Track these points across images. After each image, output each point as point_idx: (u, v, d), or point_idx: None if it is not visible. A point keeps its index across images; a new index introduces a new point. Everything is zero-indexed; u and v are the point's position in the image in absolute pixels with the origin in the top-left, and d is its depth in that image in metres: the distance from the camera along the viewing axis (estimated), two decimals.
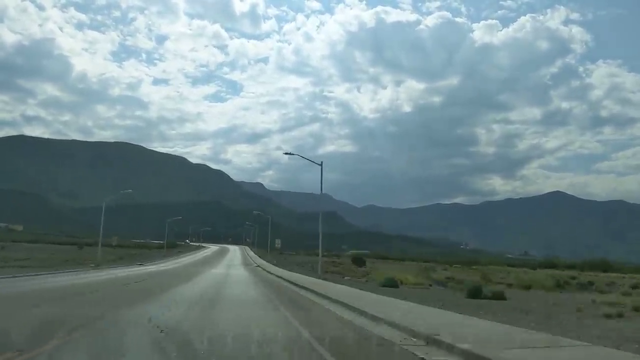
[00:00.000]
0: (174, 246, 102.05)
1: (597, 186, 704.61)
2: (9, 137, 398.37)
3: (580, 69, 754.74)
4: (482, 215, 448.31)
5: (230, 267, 46.51)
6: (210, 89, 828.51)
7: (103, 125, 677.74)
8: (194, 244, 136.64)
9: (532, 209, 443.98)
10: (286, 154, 34.63)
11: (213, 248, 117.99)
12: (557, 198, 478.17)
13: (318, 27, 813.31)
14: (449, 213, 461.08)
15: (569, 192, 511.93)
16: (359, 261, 60.56)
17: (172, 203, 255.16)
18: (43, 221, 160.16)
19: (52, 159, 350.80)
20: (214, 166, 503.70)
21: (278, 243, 74.52)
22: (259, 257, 76.09)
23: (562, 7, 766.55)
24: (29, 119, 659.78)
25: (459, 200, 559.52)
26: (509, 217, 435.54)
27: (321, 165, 31.31)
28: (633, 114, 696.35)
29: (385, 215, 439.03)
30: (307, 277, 30.82)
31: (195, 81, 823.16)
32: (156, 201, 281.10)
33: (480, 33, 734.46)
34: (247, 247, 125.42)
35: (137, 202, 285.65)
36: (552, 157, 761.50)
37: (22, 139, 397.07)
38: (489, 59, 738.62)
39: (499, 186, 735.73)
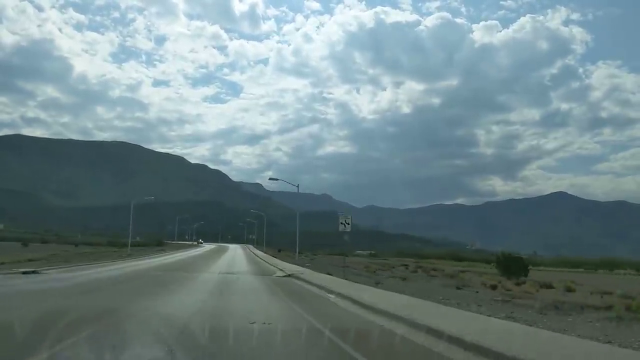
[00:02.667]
0: (159, 244, 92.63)
1: (597, 187, 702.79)
2: (6, 136, 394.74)
3: (580, 69, 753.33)
4: (483, 215, 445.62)
5: (227, 284, 19.35)
6: (210, 90, 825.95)
7: (103, 127, 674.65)
8: (187, 242, 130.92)
9: (534, 210, 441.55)
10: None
11: (209, 247, 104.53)
12: (559, 198, 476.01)
13: (317, 27, 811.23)
14: (450, 213, 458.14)
15: (572, 193, 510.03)
16: (515, 269, 27.93)
17: (170, 202, 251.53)
18: (36, 220, 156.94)
19: (49, 159, 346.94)
20: (213, 167, 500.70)
21: (346, 222, 25.89)
22: (272, 256, 56.37)
23: (562, 7, 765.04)
24: (28, 121, 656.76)
25: (460, 201, 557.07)
26: (510, 217, 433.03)
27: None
28: (633, 115, 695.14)
29: (386, 216, 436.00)
30: None
31: (195, 82, 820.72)
32: (154, 201, 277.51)
33: (480, 34, 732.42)
34: (249, 246, 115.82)
35: (136, 201, 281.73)
36: (551, 158, 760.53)
37: (19, 138, 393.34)
38: (489, 60, 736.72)
39: (499, 187, 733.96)
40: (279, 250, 77.80)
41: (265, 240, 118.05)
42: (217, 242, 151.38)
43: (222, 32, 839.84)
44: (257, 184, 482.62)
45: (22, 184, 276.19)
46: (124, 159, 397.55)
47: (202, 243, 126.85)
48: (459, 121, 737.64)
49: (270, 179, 35.90)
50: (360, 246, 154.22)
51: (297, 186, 37.66)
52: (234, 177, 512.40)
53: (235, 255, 63.14)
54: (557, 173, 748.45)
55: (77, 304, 11.74)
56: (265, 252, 72.69)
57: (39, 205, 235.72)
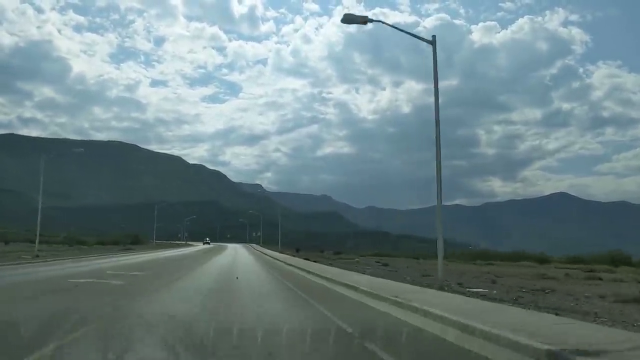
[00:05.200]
0: (135, 242, 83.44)
1: (597, 188, 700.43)
2: (0, 135, 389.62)
3: (580, 69, 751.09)
4: (484, 216, 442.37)
5: None
6: (208, 90, 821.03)
7: (100, 127, 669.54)
8: (180, 242, 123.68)
9: (535, 210, 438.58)
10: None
11: (203, 247, 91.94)
12: (560, 199, 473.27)
13: (316, 29, 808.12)
14: (451, 214, 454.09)
15: (572, 193, 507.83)
16: None
17: (169, 203, 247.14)
18: (27, 220, 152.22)
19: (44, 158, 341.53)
20: (211, 167, 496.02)
21: None
22: (304, 259, 38.84)
23: (560, 8, 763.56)
24: (25, 121, 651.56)
25: (459, 201, 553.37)
26: (511, 218, 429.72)
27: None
28: (634, 115, 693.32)
29: (386, 216, 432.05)
30: None
31: (193, 82, 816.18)
32: (153, 201, 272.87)
33: (479, 34, 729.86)
34: (254, 245, 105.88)
35: (133, 201, 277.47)
36: (552, 159, 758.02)
37: (14, 138, 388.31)
38: (489, 60, 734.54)
39: (498, 188, 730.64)
40: (297, 250, 63.10)
41: (266, 239, 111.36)
42: (216, 241, 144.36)
43: (221, 33, 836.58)
44: (257, 184, 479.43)
45: (17, 183, 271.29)
46: (121, 159, 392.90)
47: (208, 242, 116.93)
48: (460, 121, 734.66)
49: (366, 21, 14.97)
50: (363, 247, 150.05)
51: (433, 42, 19.79)
52: (233, 177, 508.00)
53: (237, 257, 43.89)
54: (558, 174, 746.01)
55: None
56: (281, 252, 55.21)
57: (30, 205, 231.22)
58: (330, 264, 31.17)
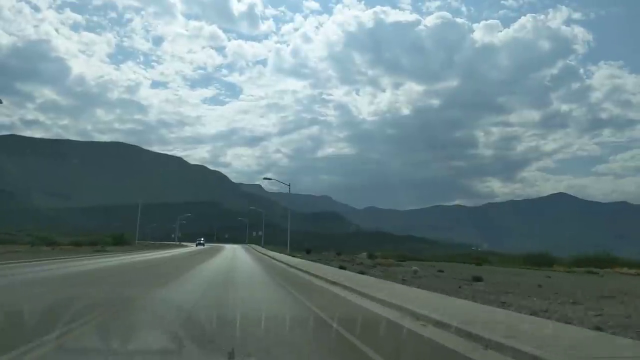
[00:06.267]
0: (120, 243, 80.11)
1: (596, 188, 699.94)
2: (1, 136, 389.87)
3: (581, 70, 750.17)
4: (484, 216, 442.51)
5: None
6: (209, 92, 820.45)
7: (102, 129, 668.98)
8: (173, 242, 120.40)
9: (536, 211, 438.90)
10: None
11: (192, 248, 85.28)
12: (560, 199, 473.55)
13: (316, 27, 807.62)
14: (451, 215, 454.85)
15: (571, 194, 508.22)
16: None
17: (169, 203, 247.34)
18: (22, 221, 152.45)
19: (44, 159, 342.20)
20: (212, 168, 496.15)
21: None
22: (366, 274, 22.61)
23: (563, 6, 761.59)
24: (27, 123, 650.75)
25: (459, 202, 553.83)
26: (511, 218, 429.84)
27: None
28: (632, 116, 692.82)
29: (387, 217, 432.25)
30: None
31: (193, 84, 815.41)
32: (153, 202, 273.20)
33: (480, 33, 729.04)
34: (254, 246, 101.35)
35: (134, 202, 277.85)
36: (550, 160, 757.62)
37: (14, 138, 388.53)
38: (490, 60, 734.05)
39: (497, 188, 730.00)
40: (308, 252, 58.04)
41: (265, 240, 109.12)
42: (213, 242, 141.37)
43: (220, 32, 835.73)
44: (257, 185, 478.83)
45: (17, 184, 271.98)
46: (123, 160, 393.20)
47: (202, 243, 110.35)
48: (459, 122, 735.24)
49: None
50: (363, 248, 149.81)
51: None
52: (234, 178, 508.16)
53: (236, 264, 32.84)
54: (556, 174, 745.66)
55: None
56: (293, 256, 44.61)
57: (32, 206, 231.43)
58: (412, 282, 19.10)
